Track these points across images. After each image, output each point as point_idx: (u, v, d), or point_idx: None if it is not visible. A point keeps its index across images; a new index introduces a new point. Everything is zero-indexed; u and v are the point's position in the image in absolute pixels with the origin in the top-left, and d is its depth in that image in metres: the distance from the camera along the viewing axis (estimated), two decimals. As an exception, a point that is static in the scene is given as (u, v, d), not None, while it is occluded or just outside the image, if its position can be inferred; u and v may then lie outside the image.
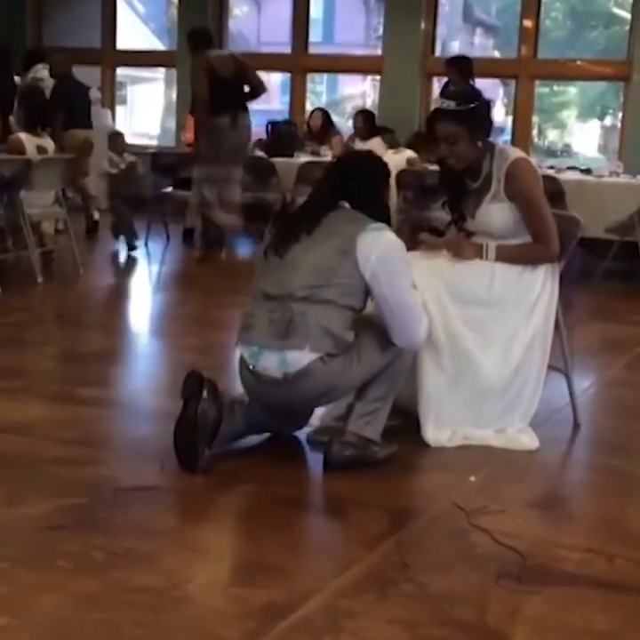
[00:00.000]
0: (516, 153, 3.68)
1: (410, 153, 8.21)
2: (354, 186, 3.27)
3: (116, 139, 8.67)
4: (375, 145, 8.20)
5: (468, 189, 3.69)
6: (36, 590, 2.34)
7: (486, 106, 3.67)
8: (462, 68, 8.47)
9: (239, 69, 7.32)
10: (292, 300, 3.14)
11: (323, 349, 3.09)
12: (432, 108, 3.79)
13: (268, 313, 3.19)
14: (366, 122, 8.85)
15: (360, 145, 8.83)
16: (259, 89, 7.44)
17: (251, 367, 3.19)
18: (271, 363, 3.13)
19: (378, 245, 3.16)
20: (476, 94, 3.70)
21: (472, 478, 3.23)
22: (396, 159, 7.84)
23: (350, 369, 3.17)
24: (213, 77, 7.13)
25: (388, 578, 2.49)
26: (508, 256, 3.60)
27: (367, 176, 3.32)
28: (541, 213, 3.63)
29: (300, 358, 3.09)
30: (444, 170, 3.75)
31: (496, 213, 3.61)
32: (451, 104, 3.56)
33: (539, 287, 3.62)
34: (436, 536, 2.85)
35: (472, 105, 3.56)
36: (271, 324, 3.16)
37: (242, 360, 3.24)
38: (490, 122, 3.69)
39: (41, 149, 6.65)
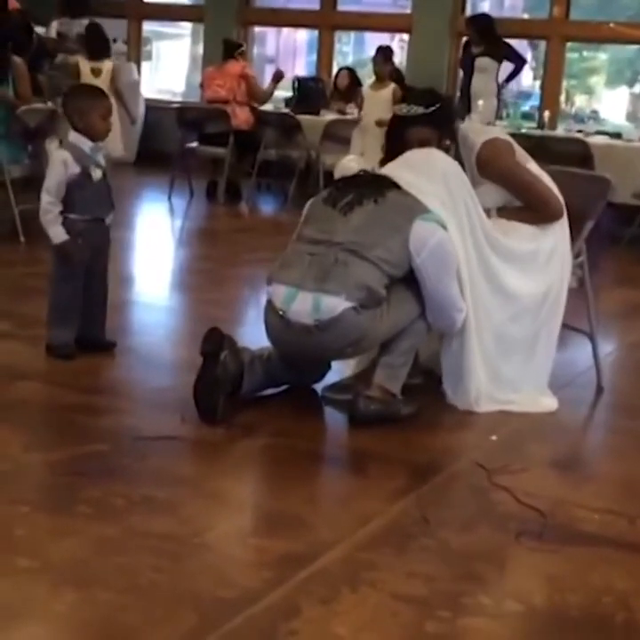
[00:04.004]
0: (479, 137, 3.57)
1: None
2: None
3: None
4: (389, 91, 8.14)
5: None
6: (56, 534, 2.34)
7: (450, 102, 3.64)
8: (482, 26, 8.37)
9: None
10: (336, 248, 3.16)
11: (357, 300, 3.09)
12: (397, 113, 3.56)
13: (308, 255, 3.21)
14: (387, 60, 8.59)
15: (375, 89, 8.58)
16: None
17: (281, 313, 3.17)
18: (304, 306, 3.10)
19: (434, 236, 3.19)
20: (437, 94, 3.63)
21: (493, 437, 3.21)
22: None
23: (380, 321, 3.16)
24: None
25: (407, 532, 2.48)
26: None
27: None
28: (527, 185, 3.56)
29: (335, 305, 3.08)
30: None
31: (483, 196, 3.50)
32: (418, 109, 3.47)
33: (551, 241, 3.56)
34: (456, 493, 2.84)
35: (438, 104, 3.49)
36: (311, 265, 3.16)
37: (270, 306, 3.22)
38: (453, 116, 3.65)
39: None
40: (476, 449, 3.12)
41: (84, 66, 8.28)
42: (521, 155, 3.62)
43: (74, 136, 3.63)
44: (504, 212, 3.56)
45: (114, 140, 8.12)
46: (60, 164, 3.59)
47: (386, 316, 3.18)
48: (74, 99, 3.73)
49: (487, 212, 3.50)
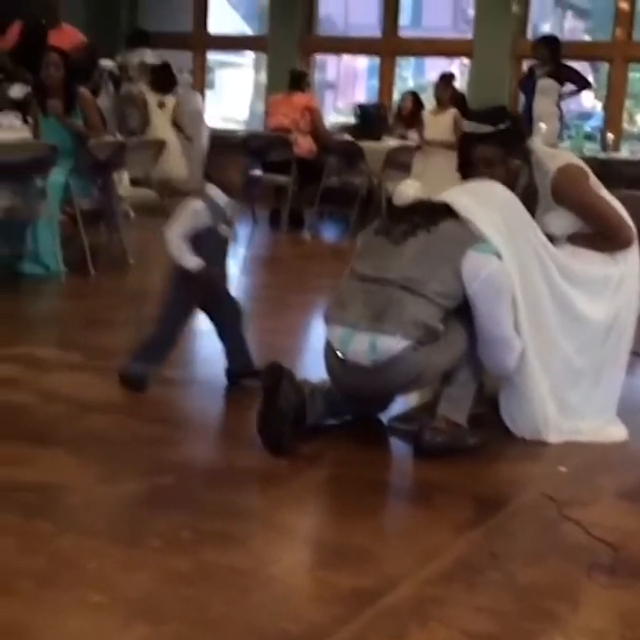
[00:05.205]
0: (554, 162, 3.53)
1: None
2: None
3: None
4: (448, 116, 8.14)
5: None
6: (127, 567, 2.37)
7: (518, 121, 3.60)
8: (553, 47, 8.33)
9: None
10: (391, 286, 3.14)
11: (414, 338, 3.07)
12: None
13: (363, 293, 3.19)
14: (448, 85, 8.54)
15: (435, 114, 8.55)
16: None
17: (339, 354, 3.17)
18: (361, 347, 3.10)
19: (486, 268, 3.16)
20: (505, 112, 3.63)
21: (562, 468, 3.17)
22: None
23: (438, 355, 3.14)
24: None
25: (475, 566, 2.46)
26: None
27: None
28: (601, 213, 3.52)
29: (391, 345, 3.07)
30: None
31: (554, 222, 3.48)
32: (486, 128, 3.46)
33: (621, 268, 3.51)
34: (524, 526, 2.81)
35: (506, 123, 3.47)
36: (366, 305, 3.15)
37: (329, 346, 3.23)
38: (523, 135, 3.63)
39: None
40: (543, 480, 3.08)
41: (151, 98, 8.97)
42: (594, 181, 3.59)
43: (212, 189, 3.63)
44: (575, 239, 3.53)
45: (179, 165, 8.45)
46: (192, 212, 3.57)
47: (444, 348, 3.15)
48: (214, 154, 3.77)
49: (555, 238, 3.48)
